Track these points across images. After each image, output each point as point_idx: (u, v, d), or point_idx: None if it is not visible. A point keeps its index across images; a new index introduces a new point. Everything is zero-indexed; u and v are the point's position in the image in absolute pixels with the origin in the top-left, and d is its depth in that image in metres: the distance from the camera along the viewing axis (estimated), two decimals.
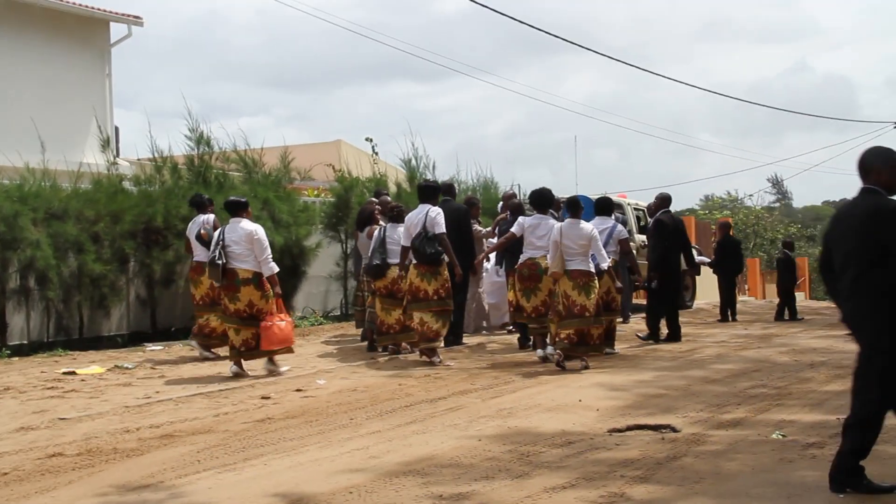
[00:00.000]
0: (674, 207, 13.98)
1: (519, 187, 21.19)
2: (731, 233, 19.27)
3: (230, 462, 6.00)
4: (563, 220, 10.79)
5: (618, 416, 7.30)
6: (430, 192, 11.22)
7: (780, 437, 6.42)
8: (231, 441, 6.67)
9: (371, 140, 20.10)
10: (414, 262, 10.78)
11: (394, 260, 11.28)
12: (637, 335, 13.47)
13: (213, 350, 11.37)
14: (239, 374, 9.82)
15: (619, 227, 12.11)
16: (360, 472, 5.62)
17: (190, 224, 11.83)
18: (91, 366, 10.72)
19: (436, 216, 10.79)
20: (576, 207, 10.68)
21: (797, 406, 7.68)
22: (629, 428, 6.86)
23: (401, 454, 6.09)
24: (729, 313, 17.77)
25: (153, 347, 12.71)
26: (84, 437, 6.90)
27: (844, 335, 14.18)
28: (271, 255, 9.94)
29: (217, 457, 6.16)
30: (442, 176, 19.34)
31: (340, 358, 11.45)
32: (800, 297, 34.14)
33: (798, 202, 79.51)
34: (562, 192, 13.54)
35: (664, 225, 13.33)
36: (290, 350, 10.14)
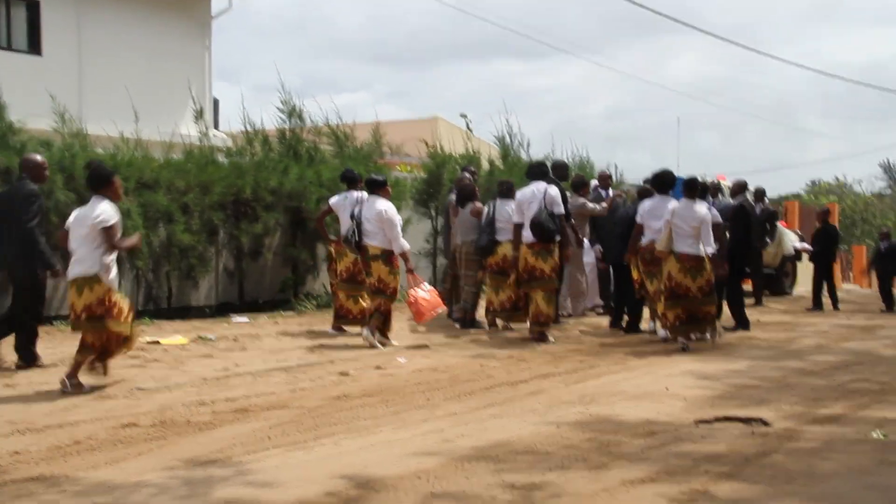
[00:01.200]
0: (779, 192, 13.73)
1: (615, 167, 20.77)
2: (830, 220, 18.42)
3: (301, 440, 5.89)
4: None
5: (706, 407, 6.98)
6: (541, 170, 11.40)
7: (882, 436, 6.02)
8: (304, 418, 6.56)
9: (466, 116, 19.99)
10: (529, 240, 10.87)
11: (503, 237, 11.51)
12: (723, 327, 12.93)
13: (344, 328, 11.34)
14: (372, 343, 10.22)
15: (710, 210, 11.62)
16: (431, 456, 5.44)
17: (338, 197, 11.45)
18: (175, 336, 10.80)
19: (555, 194, 10.93)
20: (693, 188, 10.66)
21: None
22: (717, 420, 6.54)
23: (475, 438, 5.90)
24: (831, 302, 17.10)
25: (239, 319, 12.78)
26: (159, 408, 6.89)
27: None
28: (401, 233, 10.25)
29: (288, 434, 6.06)
30: (536, 154, 19.10)
31: (425, 336, 11.30)
32: None
33: None
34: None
35: (744, 211, 13.08)
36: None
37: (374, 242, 10.26)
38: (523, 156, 18.65)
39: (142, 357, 9.28)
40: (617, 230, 12.14)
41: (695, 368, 8.96)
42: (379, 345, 10.25)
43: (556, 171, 12.57)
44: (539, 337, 10.90)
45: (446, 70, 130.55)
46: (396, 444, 5.78)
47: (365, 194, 10.73)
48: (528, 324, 11.22)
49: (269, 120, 15.54)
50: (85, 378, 7.65)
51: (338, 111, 16.27)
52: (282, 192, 14.12)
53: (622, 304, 12.32)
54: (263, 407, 6.96)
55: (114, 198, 7.68)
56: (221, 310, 13.73)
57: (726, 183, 17.59)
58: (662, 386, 7.87)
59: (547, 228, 10.76)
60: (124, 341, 7.76)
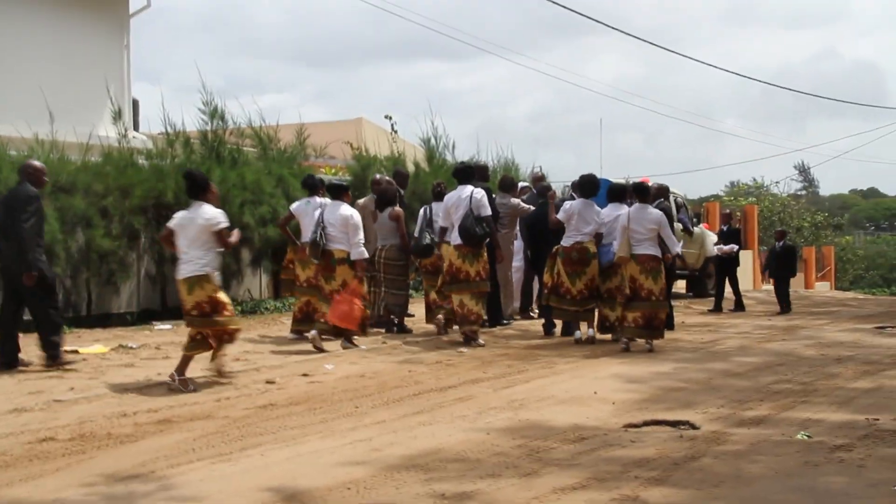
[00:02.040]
0: (699, 193, 13.97)
1: (541, 169, 20.89)
2: (732, 222, 18.67)
3: (226, 451, 5.77)
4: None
5: (634, 411, 7.04)
6: (467, 173, 11.42)
7: (806, 437, 6.13)
8: (230, 428, 6.45)
9: (390, 118, 19.89)
10: (456, 242, 10.97)
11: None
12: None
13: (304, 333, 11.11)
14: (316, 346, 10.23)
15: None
16: (360, 466, 5.38)
17: (299, 203, 11.39)
18: (94, 344, 10.54)
19: (481, 198, 11.01)
20: (645, 192, 11.10)
21: (824, 404, 7.38)
22: (646, 423, 6.60)
23: (405, 447, 5.85)
24: (735, 301, 17.56)
25: (161, 326, 12.53)
26: (78, 421, 6.70)
27: (873, 328, 13.86)
28: (363, 241, 10.31)
29: (213, 445, 5.94)
30: (461, 156, 19.11)
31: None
32: (824, 286, 33.83)
33: (825, 190, 78.82)
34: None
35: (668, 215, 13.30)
36: (357, 331, 10.37)
37: (339, 247, 10.32)
38: (449, 157, 18.67)
39: (59, 367, 9.02)
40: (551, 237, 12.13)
41: (622, 371, 9.03)
42: (319, 347, 10.23)
43: (477, 173, 12.52)
44: (470, 336, 10.98)
45: (370, 71, 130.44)
46: (324, 453, 5.70)
47: (327, 200, 10.84)
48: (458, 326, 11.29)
49: (191, 121, 15.27)
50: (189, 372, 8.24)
51: (261, 112, 16.08)
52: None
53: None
54: (187, 418, 6.81)
55: (214, 202, 8.40)
56: (143, 317, 13.44)
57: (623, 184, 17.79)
58: (591, 390, 7.90)
59: (474, 234, 10.82)
60: (231, 334, 8.40)
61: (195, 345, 8.24)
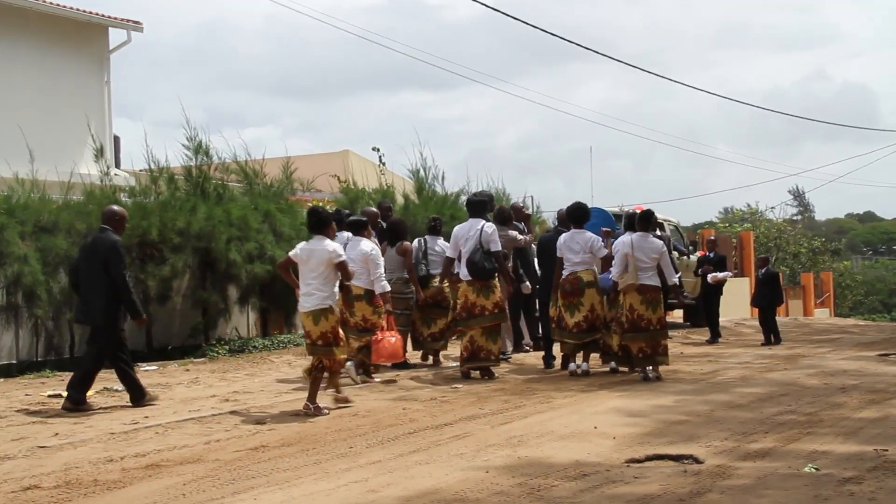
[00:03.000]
0: (693, 219, 14.07)
1: (532, 199, 20.92)
2: (717, 248, 18.54)
3: (217, 496, 5.70)
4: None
5: (636, 445, 6.99)
6: (480, 206, 11.47)
7: (814, 470, 6.08)
8: (221, 472, 6.37)
9: (378, 150, 19.88)
10: (466, 277, 11.08)
11: (435, 270, 12.15)
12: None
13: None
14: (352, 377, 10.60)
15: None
16: None
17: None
18: None
19: (492, 232, 11.11)
20: (647, 221, 11.26)
21: (830, 435, 7.35)
22: (648, 458, 6.55)
23: (402, 487, 5.79)
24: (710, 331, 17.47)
25: (147, 368, 12.43)
26: (64, 468, 6.62)
27: (876, 355, 13.86)
28: (384, 275, 10.59)
29: (204, 490, 5.87)
30: (451, 187, 19.15)
31: (344, 380, 11.13)
32: (824, 313, 33.89)
33: (821, 214, 79.20)
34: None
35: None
36: (402, 363, 10.97)
37: (357, 283, 10.41)
38: (438, 189, 18.71)
39: (43, 412, 8.96)
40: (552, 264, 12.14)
41: (621, 405, 8.99)
42: (359, 380, 10.59)
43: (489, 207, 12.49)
44: (487, 373, 11.18)
45: (355, 102, 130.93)
46: (319, 496, 5.64)
47: (347, 234, 11.00)
48: (459, 362, 11.42)
49: (174, 157, 15.27)
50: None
51: (246, 146, 16.20)
52: (190, 232, 13.86)
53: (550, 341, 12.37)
54: (176, 462, 6.74)
55: (332, 237, 9.11)
56: None
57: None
58: (590, 424, 7.86)
59: (482, 268, 10.92)
60: (342, 364, 9.19)
61: (318, 372, 8.92)
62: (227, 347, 14.12)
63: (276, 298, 15.24)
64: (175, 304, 14.07)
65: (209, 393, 10.16)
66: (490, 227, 11.18)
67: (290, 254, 9.12)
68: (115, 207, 9.73)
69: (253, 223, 14.64)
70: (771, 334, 16.83)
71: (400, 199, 17.75)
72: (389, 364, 11.00)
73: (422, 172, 18.64)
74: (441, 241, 12.45)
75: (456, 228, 11.49)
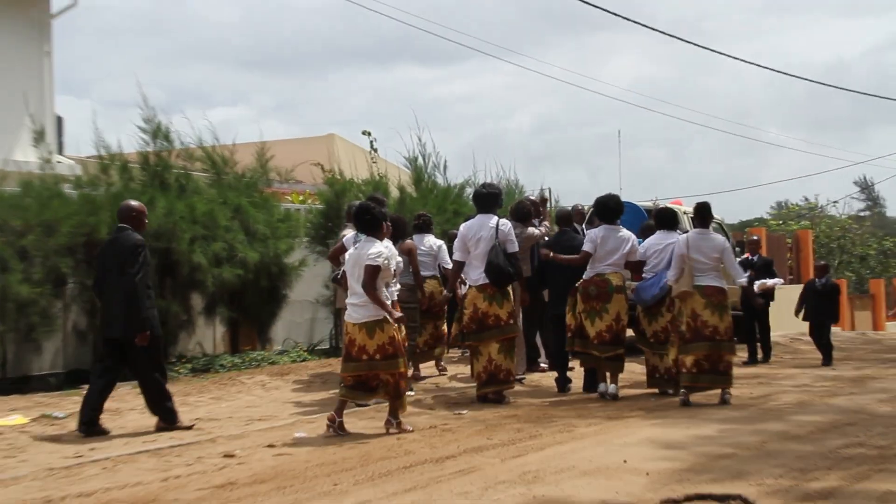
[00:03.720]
0: (740, 216, 14.09)
1: (550, 192, 20.93)
2: (759, 250, 18.42)
3: None
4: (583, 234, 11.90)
5: (673, 483, 6.97)
6: (491, 200, 11.46)
7: None
8: None
9: (369, 134, 19.93)
10: (480, 281, 11.11)
11: (426, 272, 12.46)
12: None
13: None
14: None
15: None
16: None
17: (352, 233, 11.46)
18: (11, 415, 10.47)
19: (508, 231, 11.20)
20: (704, 215, 11.43)
21: None
22: (688, 499, 6.53)
23: None
24: (762, 352, 17.29)
25: None
26: None
27: None
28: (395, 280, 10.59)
29: None
30: (454, 177, 19.17)
31: (327, 403, 11.16)
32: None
33: (893, 210, 79.15)
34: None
35: None
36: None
37: None
38: (439, 180, 18.74)
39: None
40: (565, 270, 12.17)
41: (656, 435, 8.96)
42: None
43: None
44: (495, 397, 11.18)
45: (341, 78, 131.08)
46: None
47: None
48: (475, 384, 11.44)
49: (128, 142, 15.24)
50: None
51: (213, 129, 15.99)
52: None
53: (565, 358, 12.38)
54: (128, 503, 6.73)
55: (383, 238, 9.52)
56: (71, 379, 13.33)
57: (684, 209, 17.84)
58: (619, 458, 7.84)
59: (505, 272, 10.98)
60: (406, 384, 9.55)
61: (353, 392, 9.36)
62: (189, 366, 14.11)
63: (247, 309, 15.25)
64: None
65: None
66: (506, 223, 11.26)
67: (344, 268, 9.67)
68: (133, 202, 10.07)
69: (221, 220, 14.64)
70: (826, 353, 16.89)
71: (395, 192, 17.75)
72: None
73: (420, 160, 18.69)
74: (430, 238, 12.59)
75: (463, 226, 11.50)
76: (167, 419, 9.58)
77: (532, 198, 15.76)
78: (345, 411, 10.44)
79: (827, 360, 16.83)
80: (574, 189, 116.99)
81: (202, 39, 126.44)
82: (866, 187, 70.62)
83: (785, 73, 67.26)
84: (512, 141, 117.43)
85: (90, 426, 9.30)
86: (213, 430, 9.53)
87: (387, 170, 19.24)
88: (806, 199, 52.77)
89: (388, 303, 9.36)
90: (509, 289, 11.22)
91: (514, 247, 11.15)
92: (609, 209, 11.71)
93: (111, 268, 9.51)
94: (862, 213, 64.07)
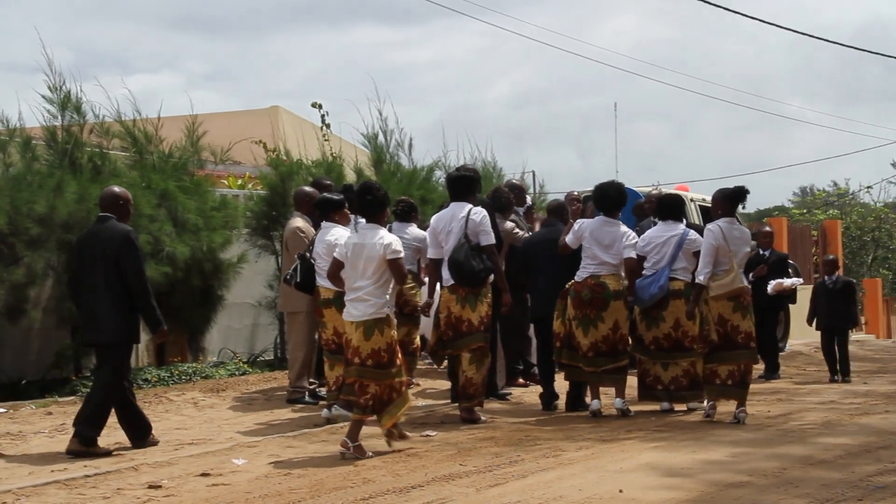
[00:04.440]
0: (758, 205, 14.16)
1: (533, 176, 20.99)
2: (774, 245, 18.22)
3: None
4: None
5: None
6: (467, 185, 11.54)
7: None
8: None
9: (320, 107, 19.89)
10: (448, 282, 11.21)
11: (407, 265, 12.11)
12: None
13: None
14: (330, 420, 11.12)
15: (693, 234, 11.94)
16: None
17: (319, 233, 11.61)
18: None
19: (481, 220, 11.21)
20: (735, 202, 11.46)
21: None
22: None
23: None
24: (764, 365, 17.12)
25: None
26: None
27: None
28: None
29: None
30: (421, 158, 19.21)
31: (271, 424, 11.20)
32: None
33: None
34: (591, 182, 13.34)
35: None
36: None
37: (324, 284, 10.86)
38: (404, 161, 18.77)
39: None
40: (549, 268, 12.22)
41: (657, 460, 9.03)
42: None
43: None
44: (468, 416, 11.24)
45: (287, 40, 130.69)
46: None
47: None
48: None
49: (31, 114, 15.17)
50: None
51: (133, 100, 15.90)
52: (54, 219, 13.78)
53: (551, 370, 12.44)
54: None
55: (385, 224, 9.91)
56: None
57: (691, 195, 17.94)
58: (614, 487, 7.90)
59: (469, 270, 10.97)
60: (400, 394, 9.59)
61: (359, 406, 9.46)
62: None
63: (176, 312, 15.18)
64: (32, 320, 14.00)
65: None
66: (479, 212, 11.25)
67: (336, 255, 9.78)
68: (116, 189, 10.35)
69: (145, 207, 14.57)
70: (838, 367, 16.62)
71: (351, 175, 17.74)
72: None
73: (381, 138, 18.73)
74: (413, 228, 12.31)
75: (433, 218, 11.61)
76: (89, 438, 9.66)
77: (515, 181, 15.84)
78: (300, 430, 10.49)
79: (843, 374, 16.50)
80: (561, 172, 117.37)
81: None
82: None
83: (809, 35, 67.20)
84: (488, 115, 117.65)
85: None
86: (135, 456, 9.52)
87: (341, 149, 19.23)
88: (834, 185, 53.19)
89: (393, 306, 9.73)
90: (487, 291, 11.25)
91: (488, 238, 11.15)
92: (609, 198, 11.76)
93: (95, 263, 9.78)
94: None
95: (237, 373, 15.36)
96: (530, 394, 13.12)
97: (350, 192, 11.63)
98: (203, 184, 16.04)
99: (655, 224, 12.59)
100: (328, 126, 19.61)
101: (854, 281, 18.26)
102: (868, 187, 48.07)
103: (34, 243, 13.63)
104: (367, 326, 9.33)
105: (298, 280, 11.49)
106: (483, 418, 11.30)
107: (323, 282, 10.88)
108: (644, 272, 11.78)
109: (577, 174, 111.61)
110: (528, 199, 15.34)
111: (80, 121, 15.14)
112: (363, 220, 10.20)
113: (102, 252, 9.76)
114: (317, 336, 12.08)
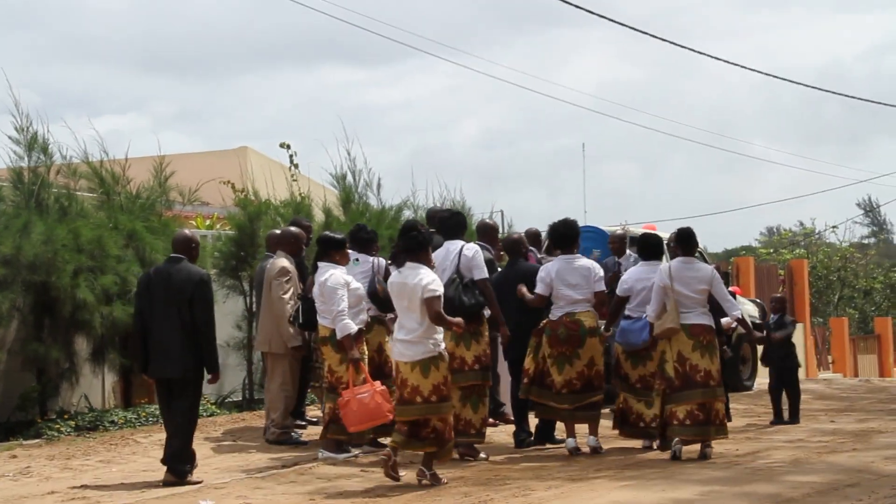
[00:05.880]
0: (725, 244, 14.17)
1: (501, 215, 21.03)
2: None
3: None
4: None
5: None
6: (459, 225, 11.79)
7: None
8: None
9: (288, 147, 19.89)
10: None
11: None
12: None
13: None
14: (331, 460, 11.23)
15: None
16: None
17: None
18: None
19: (473, 255, 11.34)
20: (688, 242, 11.70)
21: None
22: None
23: None
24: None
25: None
26: None
27: None
28: (346, 310, 10.90)
29: None
30: (389, 197, 19.20)
31: (240, 466, 11.18)
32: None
33: None
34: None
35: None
36: (385, 425, 10.71)
37: (323, 322, 11.16)
38: (372, 200, 18.75)
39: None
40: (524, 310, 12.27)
41: (626, 499, 9.03)
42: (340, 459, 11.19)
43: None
44: (469, 451, 11.27)
45: (255, 81, 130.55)
46: None
47: (383, 262, 11.84)
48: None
49: None
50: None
51: (101, 141, 15.86)
52: (20, 260, 13.70)
53: (524, 408, 12.44)
54: None
55: (430, 263, 10.15)
56: None
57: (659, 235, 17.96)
58: None
59: (459, 305, 10.93)
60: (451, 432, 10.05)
61: (409, 441, 9.82)
62: (72, 424, 13.94)
63: None
64: None
65: (46, 489, 10.10)
66: (471, 248, 11.39)
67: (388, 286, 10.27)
68: (188, 232, 11.00)
69: (112, 248, 14.52)
70: (785, 409, 15.95)
71: (319, 215, 17.73)
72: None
73: (350, 178, 18.73)
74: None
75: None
76: (179, 474, 10.14)
77: (486, 221, 15.84)
78: (269, 471, 10.45)
79: (782, 417, 15.56)
80: (531, 212, 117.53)
81: (87, 33, 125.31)
82: (870, 210, 71.56)
83: (773, 76, 67.75)
84: (456, 155, 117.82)
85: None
86: (101, 499, 9.45)
87: (310, 189, 19.21)
88: (801, 224, 53.46)
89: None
90: (483, 328, 11.32)
91: (481, 273, 11.25)
92: (562, 235, 11.90)
93: (166, 302, 10.31)
94: (866, 241, 64.68)
95: (205, 414, 15.24)
96: (499, 433, 13.08)
97: (363, 231, 12.11)
98: (171, 224, 15.94)
99: (633, 259, 12.75)
100: (297, 166, 19.60)
101: (794, 320, 17.48)
102: (834, 227, 48.42)
103: (0, 284, 13.55)
104: (424, 365, 9.71)
105: (301, 321, 11.67)
106: (482, 455, 11.31)
107: (322, 320, 11.10)
108: (629, 312, 11.79)
109: (545, 213, 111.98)
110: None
111: (47, 162, 15.11)
112: (365, 256, 11.31)
113: (178, 291, 10.27)
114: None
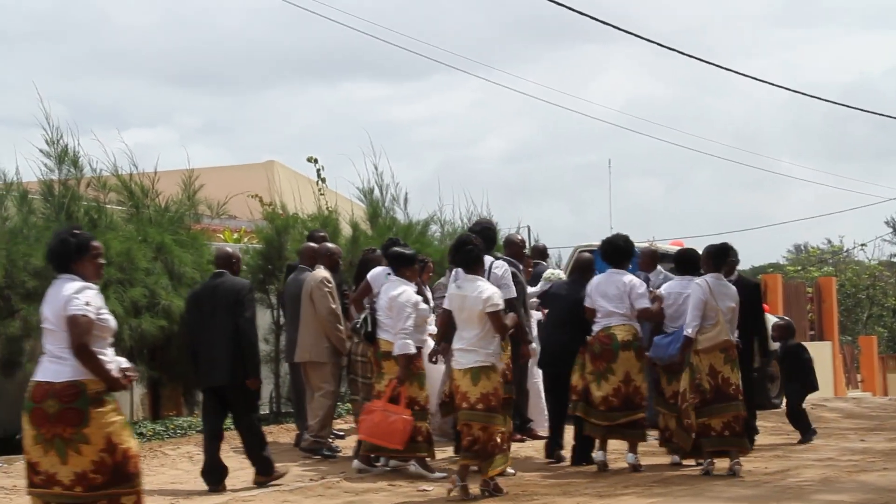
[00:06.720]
0: (752, 262, 14.19)
1: (528, 230, 21.02)
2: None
3: None
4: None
5: None
6: (488, 240, 11.65)
7: None
8: None
9: (316, 161, 19.96)
10: None
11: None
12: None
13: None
14: (361, 471, 11.38)
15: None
16: None
17: (379, 270, 12.16)
18: None
19: (502, 274, 11.24)
20: (723, 259, 11.92)
21: None
22: None
23: None
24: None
25: None
26: None
27: None
28: (411, 328, 10.99)
29: None
30: (418, 213, 19.19)
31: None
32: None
33: None
34: (586, 237, 13.43)
35: None
36: (398, 450, 10.88)
37: (386, 336, 11.17)
38: (399, 215, 18.77)
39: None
40: (552, 317, 12.33)
41: None
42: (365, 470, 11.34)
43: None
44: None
45: (283, 95, 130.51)
46: None
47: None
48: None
49: (27, 167, 15.14)
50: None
51: (130, 154, 15.93)
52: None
53: (561, 422, 12.46)
54: None
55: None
56: None
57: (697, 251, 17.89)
58: None
59: None
60: (504, 445, 10.11)
61: (471, 456, 9.86)
62: None
63: (171, 366, 15.15)
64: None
65: None
66: (500, 265, 11.32)
67: (445, 306, 10.39)
68: (229, 248, 11.64)
69: (141, 261, 14.58)
70: (800, 425, 15.59)
71: (347, 229, 17.75)
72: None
73: (377, 192, 18.76)
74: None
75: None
76: (265, 469, 10.77)
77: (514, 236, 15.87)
78: (297, 483, 10.46)
79: (805, 434, 15.39)
80: (555, 227, 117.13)
81: (115, 47, 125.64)
82: None
83: (800, 93, 67.36)
84: (482, 170, 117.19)
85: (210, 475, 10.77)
86: None
87: (337, 203, 19.25)
88: (829, 242, 53.04)
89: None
90: (504, 344, 11.00)
91: (509, 292, 11.07)
92: (618, 249, 11.89)
93: (213, 312, 10.77)
94: (895, 259, 64.25)
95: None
96: (526, 448, 13.06)
97: (395, 244, 12.10)
98: (199, 237, 16.03)
99: (663, 276, 12.85)
100: (324, 180, 19.68)
101: (801, 346, 17.02)
102: (862, 245, 48.10)
103: (30, 296, 13.57)
104: (474, 373, 9.75)
105: (369, 329, 11.50)
106: (510, 470, 11.11)
107: (384, 335, 11.16)
108: (664, 328, 11.81)
109: (571, 229, 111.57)
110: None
111: (77, 175, 15.18)
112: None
113: (224, 303, 10.74)
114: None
